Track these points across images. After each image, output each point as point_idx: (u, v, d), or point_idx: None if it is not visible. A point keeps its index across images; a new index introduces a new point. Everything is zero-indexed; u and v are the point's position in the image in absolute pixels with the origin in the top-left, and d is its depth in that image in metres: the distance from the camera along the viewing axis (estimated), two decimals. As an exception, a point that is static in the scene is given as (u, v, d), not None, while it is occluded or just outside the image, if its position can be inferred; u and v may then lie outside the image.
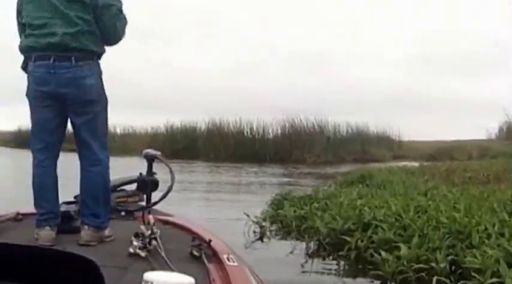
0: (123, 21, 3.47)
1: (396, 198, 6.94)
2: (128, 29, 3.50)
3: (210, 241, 3.04)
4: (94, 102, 3.37)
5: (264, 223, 6.71)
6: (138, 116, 35.74)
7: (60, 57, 3.27)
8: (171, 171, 4.13)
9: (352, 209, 6.22)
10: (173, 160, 18.69)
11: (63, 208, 3.48)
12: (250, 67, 43.32)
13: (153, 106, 34.92)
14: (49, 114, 3.37)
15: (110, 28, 3.39)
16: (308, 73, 42.00)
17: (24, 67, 3.41)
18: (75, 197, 3.83)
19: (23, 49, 3.39)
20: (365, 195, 7.59)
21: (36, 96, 3.34)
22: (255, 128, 27.00)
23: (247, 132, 27.05)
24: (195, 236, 3.25)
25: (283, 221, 6.71)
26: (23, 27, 3.42)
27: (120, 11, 3.46)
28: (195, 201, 10.45)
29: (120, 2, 3.48)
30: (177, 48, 46.66)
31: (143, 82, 39.01)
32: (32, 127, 3.45)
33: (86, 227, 3.28)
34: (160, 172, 4.07)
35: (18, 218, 3.77)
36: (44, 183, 3.39)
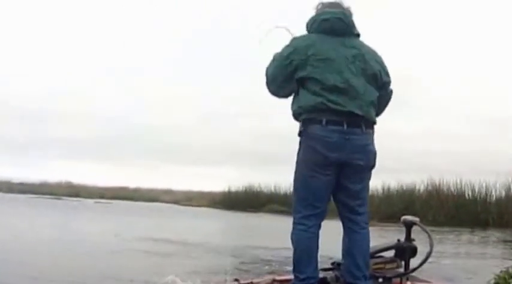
0: (391, 96, 3.34)
1: None
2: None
3: None
4: (372, 169, 3.19)
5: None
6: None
7: (352, 123, 3.01)
8: (429, 237, 3.68)
9: None
10: (388, 223, 15.93)
11: (320, 275, 3.26)
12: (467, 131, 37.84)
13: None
14: (329, 182, 3.07)
15: (383, 102, 3.27)
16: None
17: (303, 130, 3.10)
18: (333, 264, 3.65)
19: (308, 108, 3.08)
20: None
21: (321, 162, 3.02)
22: (476, 190, 22.08)
23: (468, 194, 22.22)
24: None
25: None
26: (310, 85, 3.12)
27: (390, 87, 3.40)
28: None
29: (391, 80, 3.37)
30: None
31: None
32: (304, 192, 3.10)
33: None
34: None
35: None
36: (310, 248, 3.10)
